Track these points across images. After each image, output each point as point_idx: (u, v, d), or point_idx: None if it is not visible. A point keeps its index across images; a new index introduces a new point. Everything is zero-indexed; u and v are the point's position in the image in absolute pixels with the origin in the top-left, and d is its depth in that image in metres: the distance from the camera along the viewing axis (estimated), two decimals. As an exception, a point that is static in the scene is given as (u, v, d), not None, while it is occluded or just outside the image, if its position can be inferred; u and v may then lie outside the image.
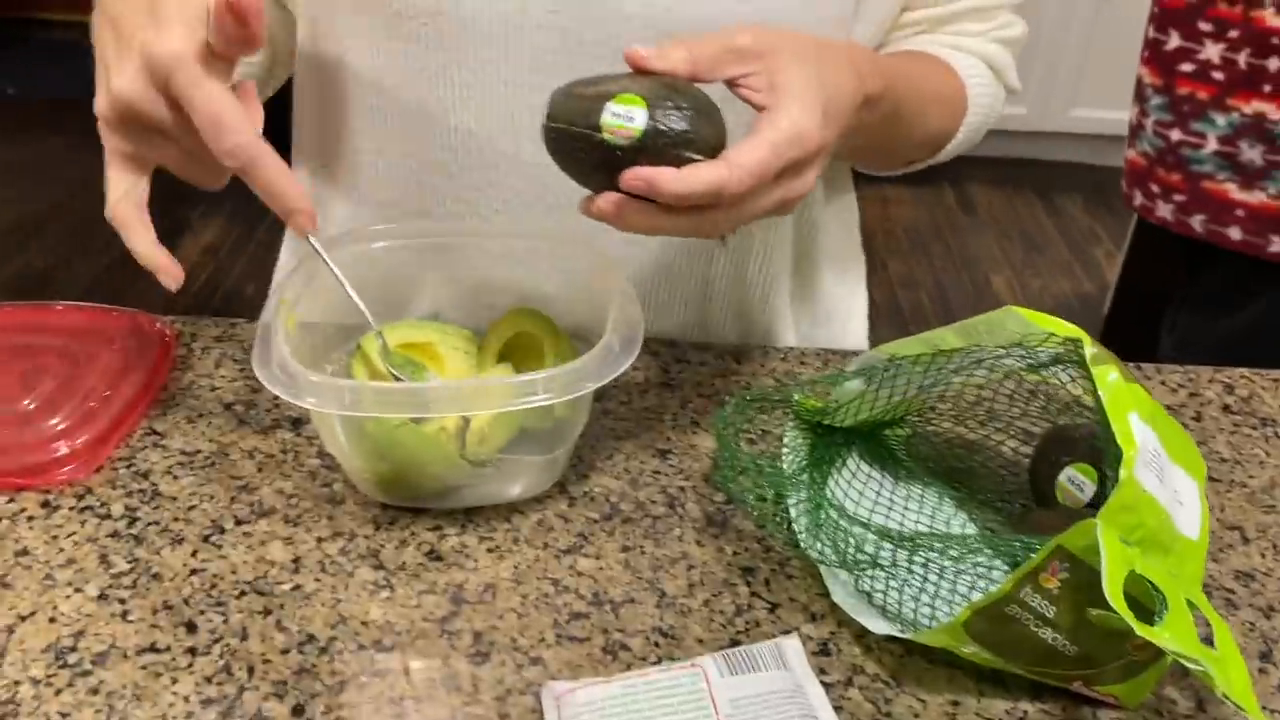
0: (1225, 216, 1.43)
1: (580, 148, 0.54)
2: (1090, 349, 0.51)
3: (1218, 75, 1.22)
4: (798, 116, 0.54)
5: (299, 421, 0.69)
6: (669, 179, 0.51)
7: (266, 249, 2.88)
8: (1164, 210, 1.49)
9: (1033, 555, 0.49)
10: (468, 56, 0.69)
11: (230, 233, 2.97)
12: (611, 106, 0.53)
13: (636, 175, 0.52)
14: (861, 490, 0.64)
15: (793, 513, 0.60)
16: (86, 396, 0.68)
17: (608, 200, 0.54)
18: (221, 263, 2.86)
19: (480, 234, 0.73)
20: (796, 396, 0.63)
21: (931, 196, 3.30)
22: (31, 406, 0.66)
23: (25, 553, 0.59)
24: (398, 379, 0.64)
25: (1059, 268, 2.98)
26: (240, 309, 2.63)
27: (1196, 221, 1.45)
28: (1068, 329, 0.53)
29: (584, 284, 0.69)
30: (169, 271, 0.61)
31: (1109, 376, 0.51)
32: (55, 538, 0.60)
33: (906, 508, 0.64)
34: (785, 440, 0.63)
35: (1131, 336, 2.27)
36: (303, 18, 0.76)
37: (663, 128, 0.52)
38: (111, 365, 0.71)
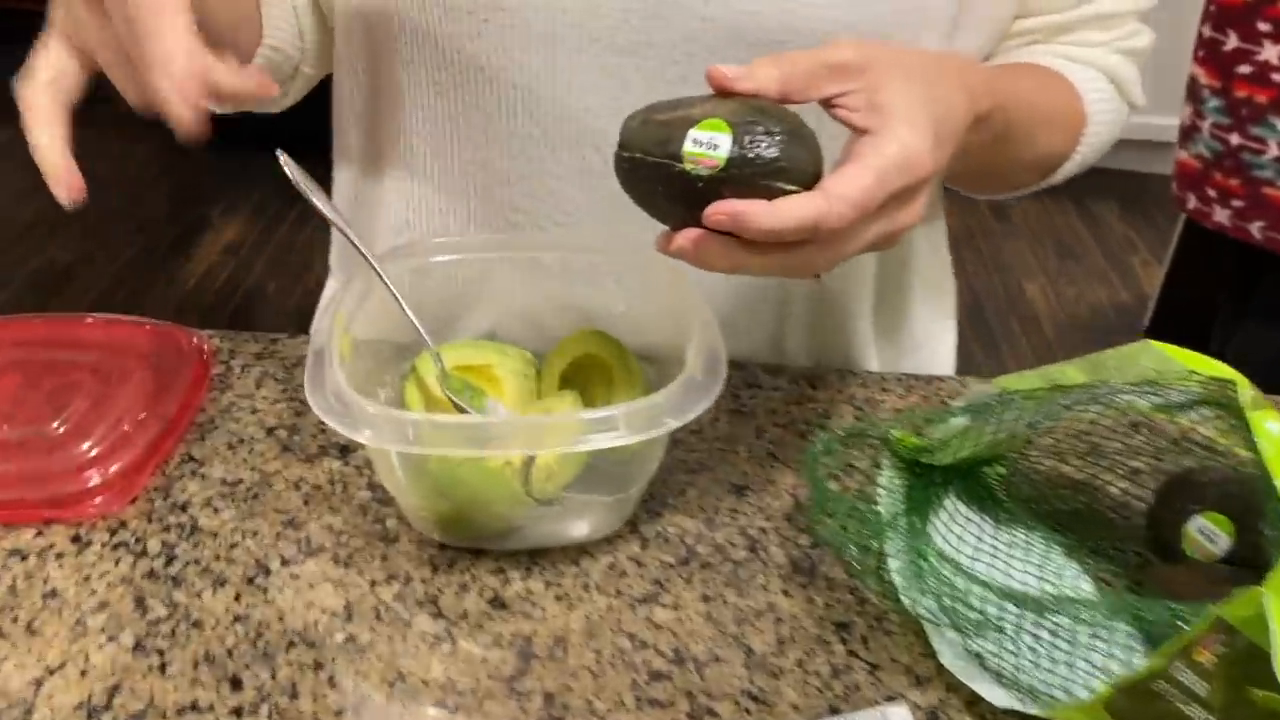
0: None
1: (658, 179, 0.49)
2: (1248, 392, 0.46)
3: (1277, 78, 1.17)
4: (907, 140, 0.48)
5: (347, 449, 0.64)
6: (758, 213, 0.46)
7: (287, 248, 2.84)
8: (1221, 215, 1.44)
9: (1182, 625, 0.44)
10: (531, 57, 0.64)
11: (252, 230, 2.93)
12: (693, 134, 0.48)
13: (721, 209, 0.46)
14: (961, 535, 0.59)
15: (891, 562, 0.55)
16: (120, 419, 0.63)
17: (687, 237, 0.48)
18: (243, 261, 2.82)
19: (542, 247, 0.68)
20: (895, 433, 0.57)
21: (965, 202, 3.23)
22: (61, 430, 0.62)
23: (55, 595, 0.54)
24: (457, 406, 0.59)
25: (1094, 276, 2.92)
26: (262, 309, 2.59)
27: (1255, 228, 1.39)
28: (1216, 368, 0.48)
29: (657, 304, 0.64)
30: (64, 181, 0.52)
31: (1267, 424, 0.45)
32: (87, 578, 0.55)
33: (1012, 555, 0.59)
34: (881, 480, 0.57)
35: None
36: (342, 14, 0.71)
37: (750, 155, 0.47)
38: (146, 384, 0.66)
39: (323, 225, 0.66)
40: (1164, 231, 3.03)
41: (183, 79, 0.46)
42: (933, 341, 0.82)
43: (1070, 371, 0.53)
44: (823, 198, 0.46)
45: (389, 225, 0.73)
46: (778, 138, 0.47)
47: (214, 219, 2.96)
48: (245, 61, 0.67)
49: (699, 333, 0.57)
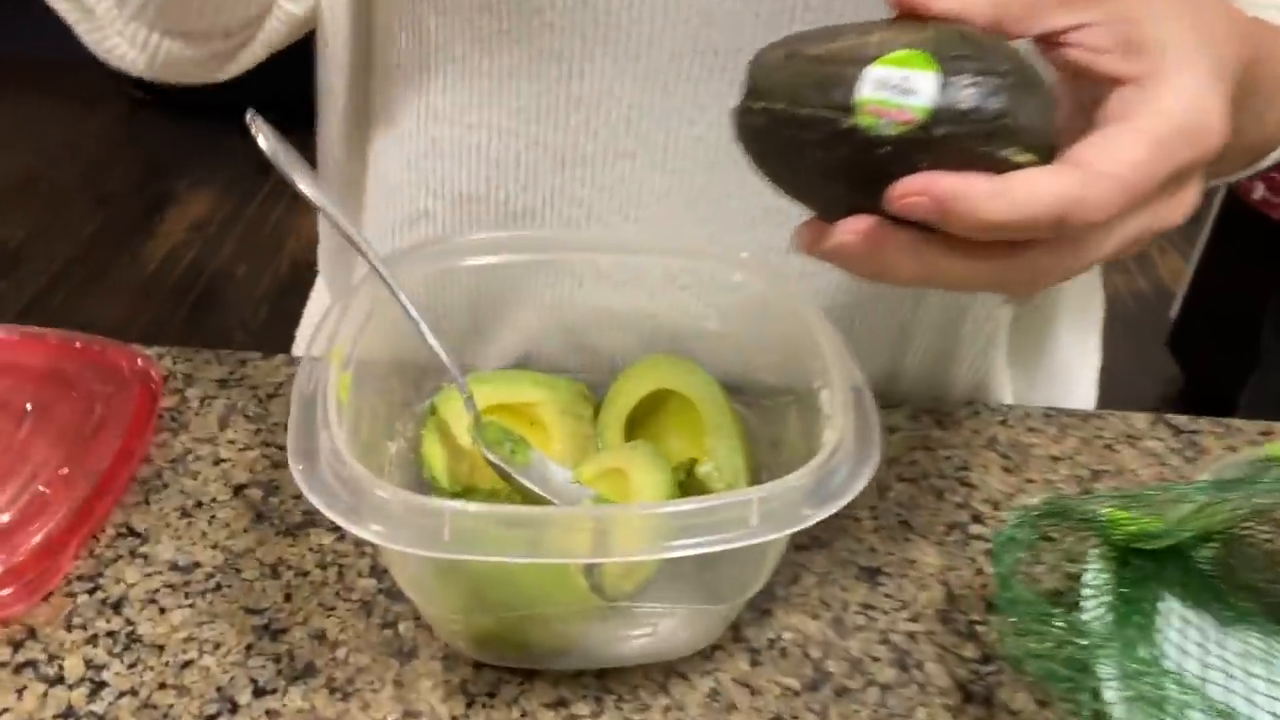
0: None
1: (811, 142, 0.32)
2: None
3: None
4: (1191, 94, 0.32)
5: (343, 516, 0.47)
6: (980, 194, 0.30)
7: (259, 227, 2.66)
8: (1259, 192, 1.36)
9: None
10: (573, 24, 0.48)
11: (221, 206, 2.74)
12: (875, 72, 0.31)
13: (917, 187, 0.30)
14: (1183, 646, 0.43)
15: (1109, 693, 0.39)
16: (33, 476, 0.47)
17: (854, 230, 0.32)
18: (211, 239, 2.63)
19: (602, 248, 0.51)
20: (1105, 513, 0.42)
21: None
22: (-48, 489, 0.45)
23: (-75, 749, 0.38)
24: (498, 470, 0.43)
25: (1111, 264, 2.78)
26: (230, 293, 2.40)
27: None
28: None
29: (757, 324, 0.48)
30: None
31: None
32: (-25, 720, 0.39)
33: (1250, 672, 0.43)
34: (1087, 577, 0.42)
35: (1205, 341, 2.08)
36: None
37: (965, 107, 0.31)
38: (72, 425, 0.50)
39: (298, 203, 0.49)
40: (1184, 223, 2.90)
41: None
42: (1074, 369, 0.66)
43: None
44: (1078, 174, 0.31)
45: (398, 218, 0.56)
46: (1003, 80, 0.31)
47: (180, 193, 2.76)
48: None
49: (836, 369, 0.41)
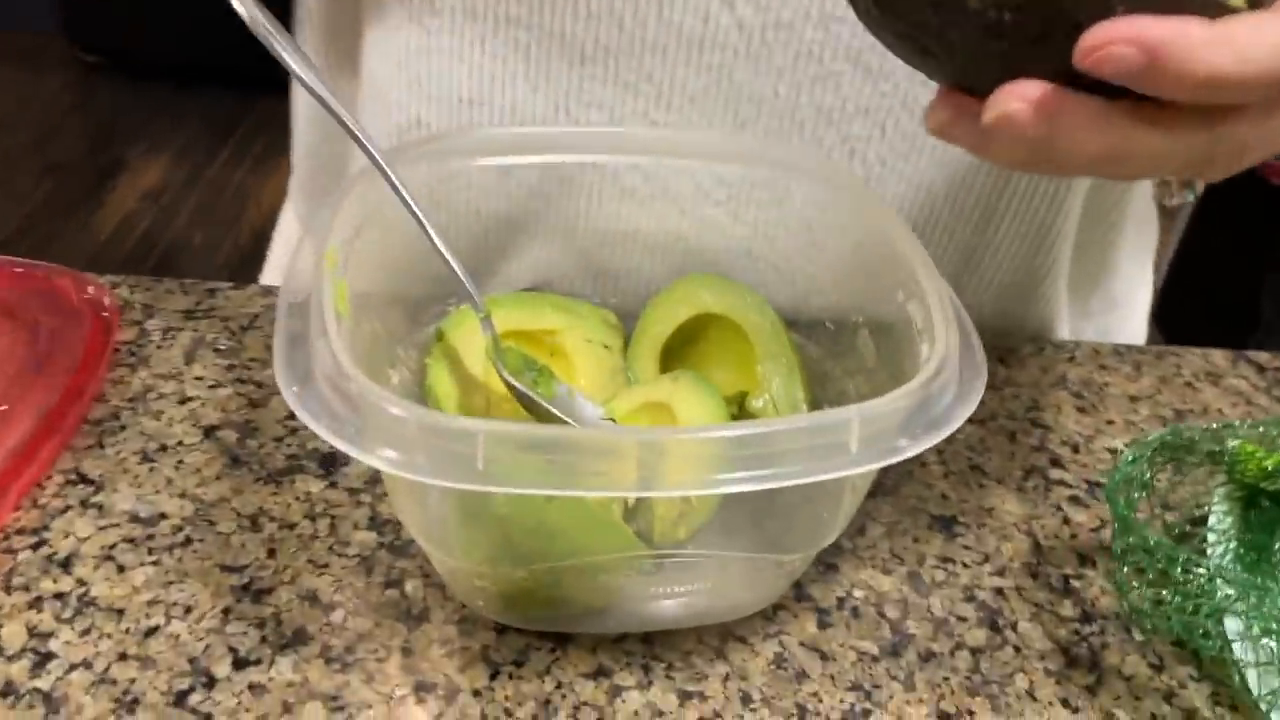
0: None
1: None
2: None
3: None
4: None
5: (331, 461, 0.41)
6: (1200, 41, 0.24)
7: (215, 194, 2.56)
8: None
9: None
10: None
11: (176, 174, 2.63)
12: None
13: (1119, 34, 0.24)
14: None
15: (1238, 649, 0.33)
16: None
17: (1024, 96, 0.26)
18: (165, 208, 2.53)
19: (629, 150, 0.44)
20: (1235, 443, 0.36)
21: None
22: None
23: None
24: (523, 399, 0.37)
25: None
26: (188, 263, 2.30)
27: None
28: None
29: (811, 239, 0.41)
30: None
31: None
32: (-111, 700, 0.31)
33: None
34: (1212, 520, 0.36)
35: (1191, 312, 2.06)
36: None
37: None
38: (12, 357, 0.43)
39: (262, 164, 0.43)
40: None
41: None
42: (1132, 299, 0.60)
43: None
44: None
45: (387, 128, 0.48)
46: None
47: (131, 160, 2.65)
48: None
49: (926, 278, 0.35)
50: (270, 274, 0.65)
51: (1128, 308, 0.59)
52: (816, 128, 0.45)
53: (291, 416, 0.41)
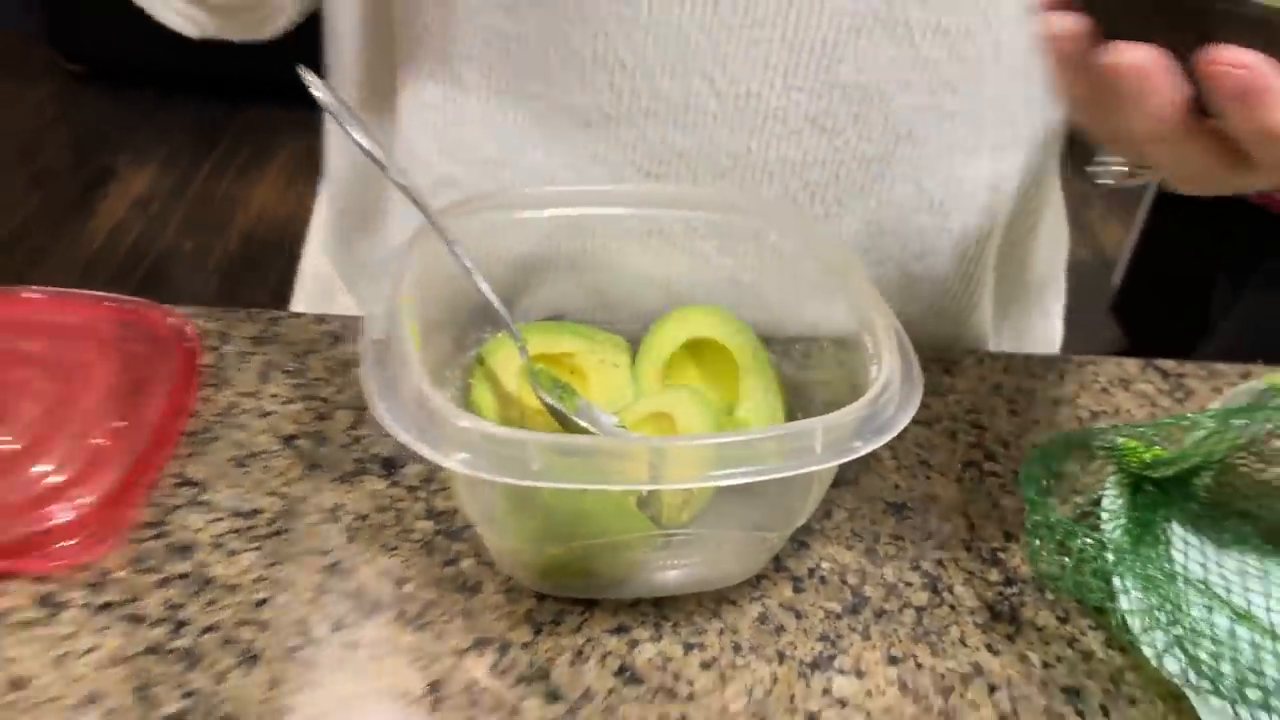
0: None
1: None
2: None
3: None
4: None
5: (394, 463, 0.49)
6: None
7: (203, 202, 2.61)
8: None
9: None
10: None
11: (164, 182, 2.68)
12: None
13: (1243, 59, 0.30)
14: (1186, 565, 0.47)
15: (1122, 601, 0.43)
16: (88, 429, 0.48)
17: (1137, 57, 0.32)
18: (155, 216, 2.58)
19: (631, 202, 0.53)
20: (1121, 441, 0.45)
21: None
22: (11, 447, 0.46)
23: (22, 684, 0.39)
24: (556, 414, 0.45)
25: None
26: (179, 271, 2.37)
27: None
28: None
29: (781, 272, 0.50)
30: None
31: None
32: (64, 657, 0.40)
33: (1248, 588, 0.47)
34: (1105, 501, 0.45)
35: (1151, 307, 2.15)
36: None
37: None
38: (116, 380, 0.51)
39: (246, 172, 0.51)
40: (1124, 191, 2.99)
41: None
42: (1046, 305, 0.70)
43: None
44: None
45: (422, 184, 0.57)
46: None
47: (119, 169, 2.70)
48: None
49: (876, 311, 0.44)
50: (301, 302, 0.73)
51: (1043, 314, 0.69)
52: (783, 176, 0.54)
53: (353, 428, 0.50)
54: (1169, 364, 0.61)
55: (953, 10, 0.51)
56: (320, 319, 0.58)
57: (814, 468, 0.38)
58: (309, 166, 2.72)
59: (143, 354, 0.53)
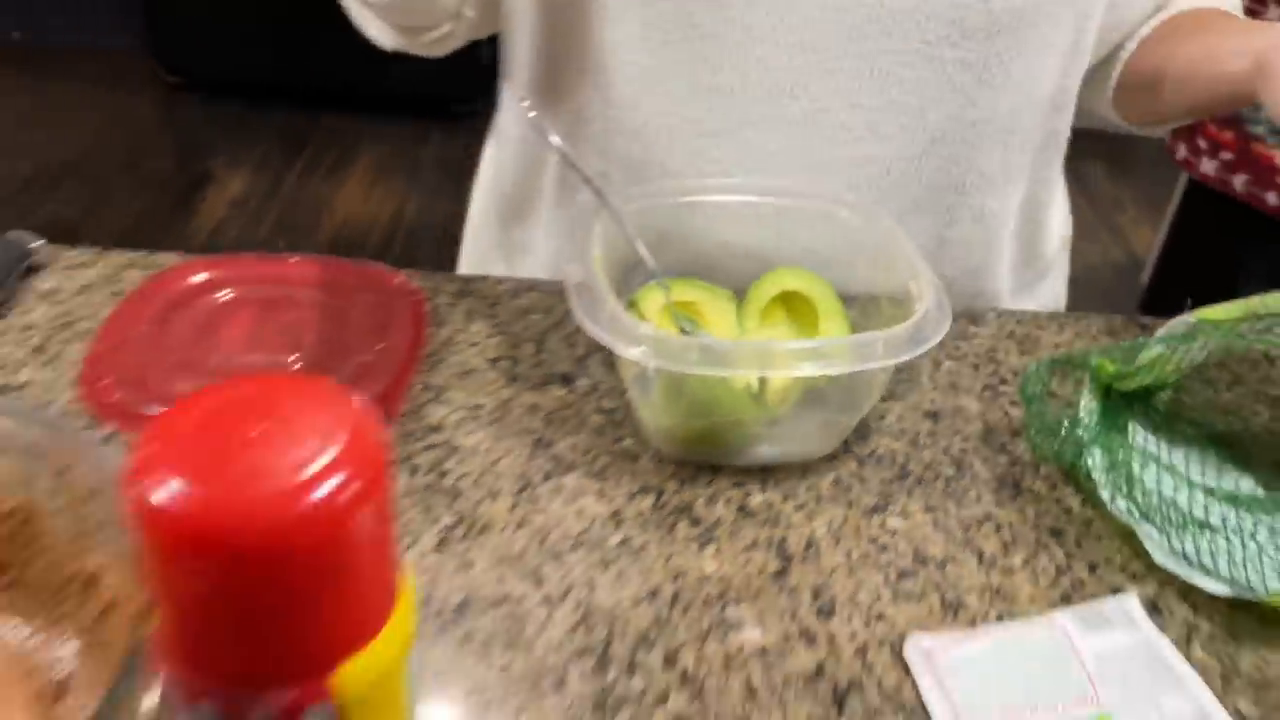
0: (1266, 180, 1.46)
1: None
2: None
3: None
4: None
5: (569, 378, 0.69)
6: None
7: (293, 203, 2.83)
8: (1207, 166, 1.51)
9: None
10: (735, 18, 0.69)
11: (258, 184, 2.91)
12: None
13: None
14: (1144, 451, 0.65)
15: (1096, 473, 0.61)
16: (356, 352, 0.67)
17: None
18: (251, 215, 2.81)
19: (734, 191, 0.72)
20: (1095, 360, 0.63)
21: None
22: (300, 365, 0.66)
23: (347, 505, 0.59)
24: (686, 334, 0.65)
25: (1085, 234, 3.00)
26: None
27: (1239, 181, 1.47)
28: None
29: (850, 246, 0.69)
30: None
31: None
32: (371, 490, 0.60)
33: (1190, 470, 0.65)
34: (1081, 403, 0.64)
35: (1178, 306, 2.30)
36: None
37: None
38: (369, 320, 0.70)
39: (333, 174, 0.70)
40: (1150, 192, 3.14)
41: None
42: (1056, 266, 0.89)
43: (1271, 301, 0.59)
44: None
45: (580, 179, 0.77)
46: None
47: (217, 172, 2.93)
48: None
49: (922, 269, 0.62)
50: (465, 264, 0.93)
51: (1054, 276, 0.88)
52: (848, 171, 0.73)
53: (537, 353, 0.69)
54: (1147, 320, 0.79)
55: (975, 49, 0.70)
56: (500, 280, 0.78)
57: (875, 364, 0.57)
58: (389, 170, 2.95)
59: (382, 301, 0.73)
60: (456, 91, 3.00)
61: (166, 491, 0.29)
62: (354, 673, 0.33)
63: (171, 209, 2.77)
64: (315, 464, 0.30)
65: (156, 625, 0.32)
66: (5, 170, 2.81)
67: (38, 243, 0.76)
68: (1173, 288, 2.31)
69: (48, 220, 2.65)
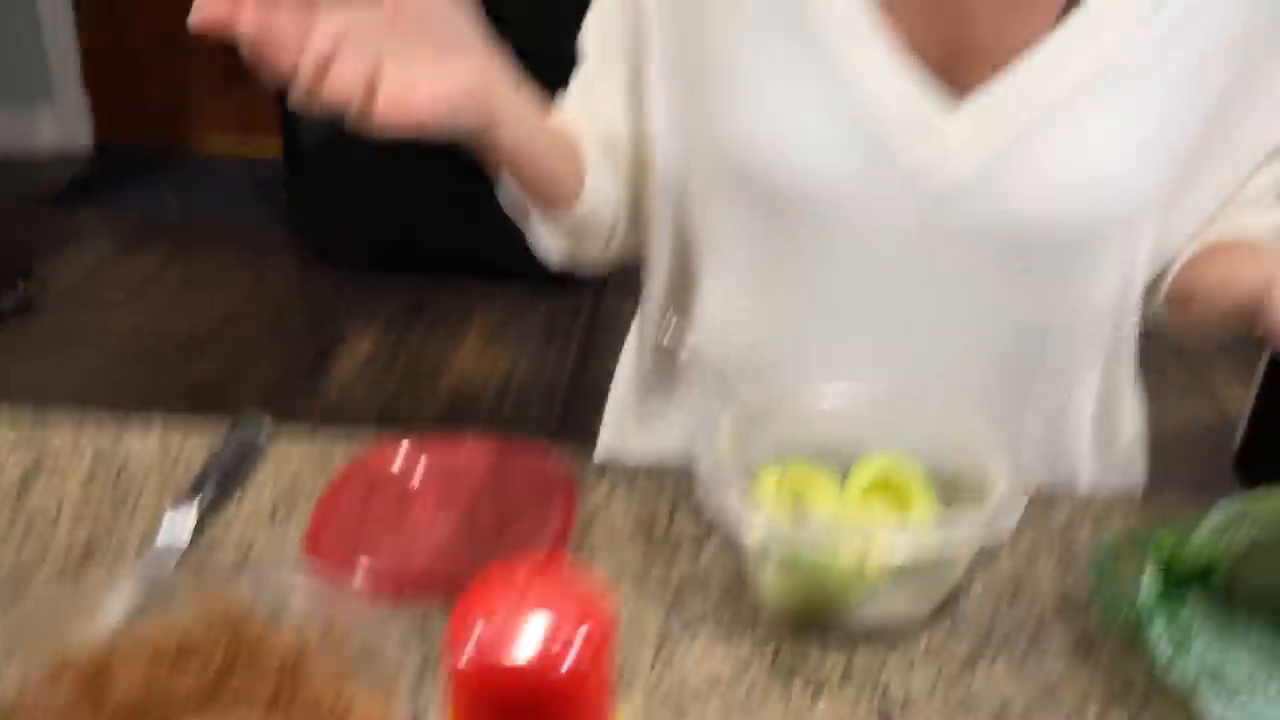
0: None
1: None
2: None
3: None
4: None
5: (698, 539, 0.81)
6: None
7: (417, 361, 3.03)
8: None
9: None
10: (827, 232, 0.84)
11: (384, 344, 3.12)
12: None
13: None
14: (1203, 630, 0.75)
15: (1158, 644, 0.71)
16: (518, 522, 0.81)
17: None
18: (380, 370, 3.01)
19: (833, 389, 0.86)
20: (1156, 538, 0.74)
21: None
22: (474, 536, 0.80)
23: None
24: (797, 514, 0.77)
25: (1177, 393, 3.04)
26: (405, 416, 2.76)
27: None
28: None
29: (937, 437, 0.81)
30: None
31: None
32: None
33: (1249, 639, 0.74)
34: (1144, 578, 0.74)
35: (1272, 463, 2.33)
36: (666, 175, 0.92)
37: None
38: (528, 493, 0.85)
39: (451, 336, 0.83)
40: (1246, 353, 3.17)
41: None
42: (1134, 447, 0.99)
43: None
44: None
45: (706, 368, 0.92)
46: None
47: (348, 335, 3.17)
48: (563, 202, 0.87)
49: (1003, 455, 0.74)
50: (607, 433, 1.08)
51: (1130, 449, 0.99)
52: (934, 369, 0.86)
53: (667, 529, 0.82)
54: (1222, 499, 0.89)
55: (1048, 300, 0.84)
56: (634, 469, 0.91)
57: (959, 545, 0.68)
58: (501, 334, 3.16)
59: (541, 478, 0.87)
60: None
61: (479, 655, 0.42)
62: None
63: (307, 369, 3.00)
64: (576, 638, 0.43)
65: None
66: (164, 330, 3.10)
67: (265, 422, 0.93)
68: (1265, 445, 2.35)
69: (197, 381, 2.89)
